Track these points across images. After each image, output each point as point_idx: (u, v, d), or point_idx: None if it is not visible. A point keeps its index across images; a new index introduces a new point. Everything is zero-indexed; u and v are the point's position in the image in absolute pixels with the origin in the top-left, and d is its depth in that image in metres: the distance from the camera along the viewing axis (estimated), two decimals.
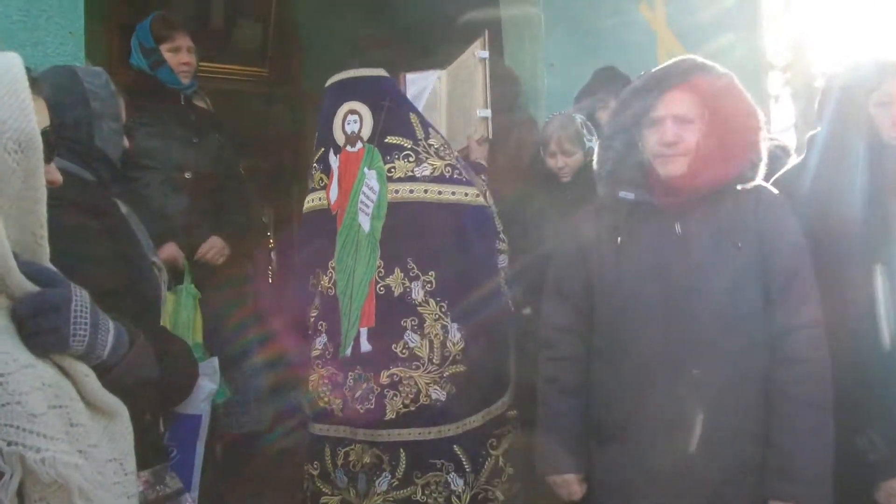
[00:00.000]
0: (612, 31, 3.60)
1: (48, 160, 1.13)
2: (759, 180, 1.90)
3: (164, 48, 2.89)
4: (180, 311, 2.47)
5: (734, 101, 1.86)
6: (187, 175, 2.86)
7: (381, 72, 2.54)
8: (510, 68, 3.56)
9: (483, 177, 2.56)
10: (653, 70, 1.93)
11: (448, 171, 2.44)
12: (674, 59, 1.90)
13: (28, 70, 1.10)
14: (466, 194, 2.44)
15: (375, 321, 2.36)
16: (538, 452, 2.00)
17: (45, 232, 1.07)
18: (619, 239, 1.88)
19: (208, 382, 2.23)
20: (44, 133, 1.09)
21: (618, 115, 1.95)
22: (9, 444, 0.89)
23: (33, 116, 1.00)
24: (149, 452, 1.67)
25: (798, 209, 1.90)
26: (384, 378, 2.31)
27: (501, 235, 2.49)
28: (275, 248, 6.37)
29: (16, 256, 1.03)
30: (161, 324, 2.05)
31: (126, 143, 1.98)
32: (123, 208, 2.06)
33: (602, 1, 3.64)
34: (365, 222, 2.42)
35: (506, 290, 2.45)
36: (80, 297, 1.09)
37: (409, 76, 2.97)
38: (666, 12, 3.80)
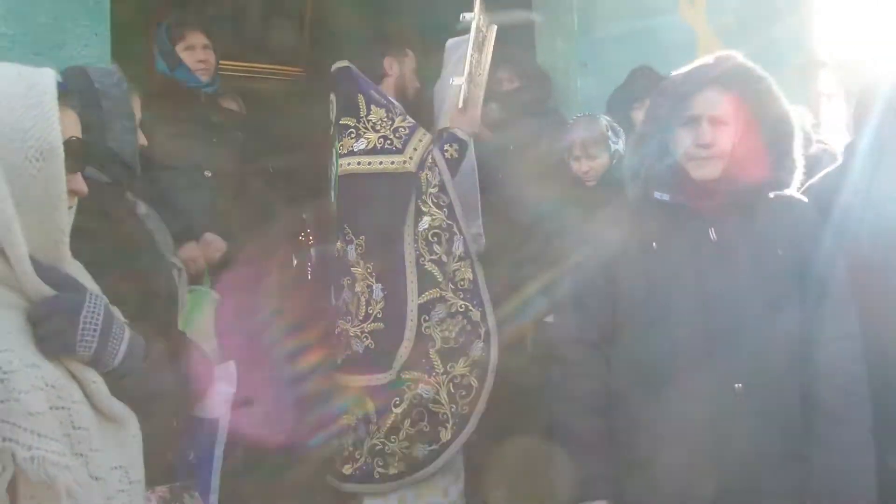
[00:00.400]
0: (648, 30, 3.50)
1: (77, 170, 1.16)
2: (793, 188, 1.82)
3: (179, 48, 2.89)
4: (195, 313, 2.46)
5: (771, 105, 1.79)
6: (207, 174, 2.86)
7: (343, 63, 2.81)
8: (542, 68, 3.47)
9: (452, 145, 2.67)
10: (690, 66, 1.83)
11: (380, 143, 2.67)
12: (713, 56, 1.81)
13: (61, 84, 1.15)
14: (393, 162, 2.64)
15: (332, 280, 2.77)
16: (563, 477, 1.86)
17: (66, 238, 1.10)
18: (654, 244, 1.79)
19: (226, 386, 2.22)
20: (73, 143, 1.13)
21: (652, 114, 1.85)
22: (3, 440, 0.91)
23: (57, 126, 1.04)
24: (170, 468, 1.67)
25: (838, 218, 1.83)
26: (337, 329, 2.68)
27: (424, 198, 2.62)
28: (314, 245, 6.40)
29: (38, 262, 1.06)
30: (178, 325, 2.05)
31: (143, 140, 1.97)
32: (143, 208, 2.06)
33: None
34: (333, 196, 2.81)
35: (421, 254, 2.63)
36: (93, 305, 1.10)
37: (450, 42, 2.92)
38: (706, 10, 3.68)
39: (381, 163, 2.66)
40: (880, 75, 2.08)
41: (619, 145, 2.75)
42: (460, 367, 2.56)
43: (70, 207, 1.14)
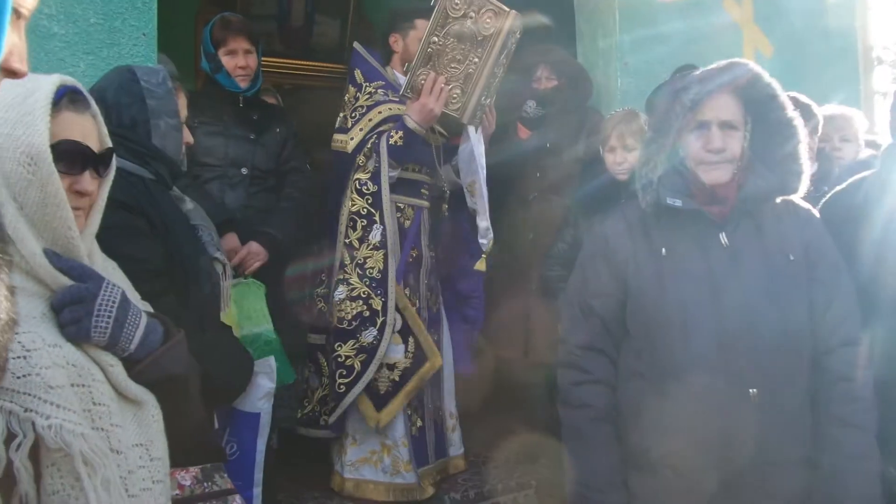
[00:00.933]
0: (691, 28, 3.44)
1: (77, 171, 1.21)
2: (801, 192, 1.82)
3: (221, 52, 2.93)
4: (244, 303, 2.50)
5: (777, 110, 1.80)
6: (244, 171, 2.92)
7: (355, 45, 3.01)
8: (581, 66, 3.44)
9: (398, 132, 2.69)
10: (697, 71, 1.83)
11: (342, 121, 2.88)
12: (723, 62, 1.80)
13: (72, 90, 1.21)
14: (340, 141, 2.84)
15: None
16: (577, 485, 1.84)
17: (74, 233, 1.16)
18: (663, 250, 1.78)
19: (266, 381, 2.26)
20: (63, 146, 1.18)
21: (661, 119, 1.83)
22: (25, 410, 0.97)
23: (42, 132, 1.10)
24: (202, 450, 1.71)
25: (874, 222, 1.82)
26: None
27: (349, 182, 2.76)
28: None
29: (58, 255, 1.14)
30: (223, 318, 2.10)
31: (189, 138, 2.02)
32: (190, 204, 2.11)
33: None
34: None
35: (346, 234, 2.79)
36: (108, 293, 1.16)
37: None
38: (753, 7, 3.59)
39: (336, 141, 2.87)
40: None
41: None
42: (346, 349, 2.68)
43: (80, 209, 1.20)
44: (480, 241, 2.85)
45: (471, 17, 2.53)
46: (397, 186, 2.82)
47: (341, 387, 2.67)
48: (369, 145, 2.72)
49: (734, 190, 1.78)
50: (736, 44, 3.56)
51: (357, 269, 2.70)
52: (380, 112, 2.81)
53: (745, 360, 1.68)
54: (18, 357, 0.98)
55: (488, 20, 2.54)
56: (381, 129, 2.77)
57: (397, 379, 2.74)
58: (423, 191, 2.91)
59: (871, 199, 1.87)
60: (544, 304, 2.95)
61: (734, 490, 1.68)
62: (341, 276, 2.73)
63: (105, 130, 1.28)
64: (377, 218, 2.70)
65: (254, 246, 2.77)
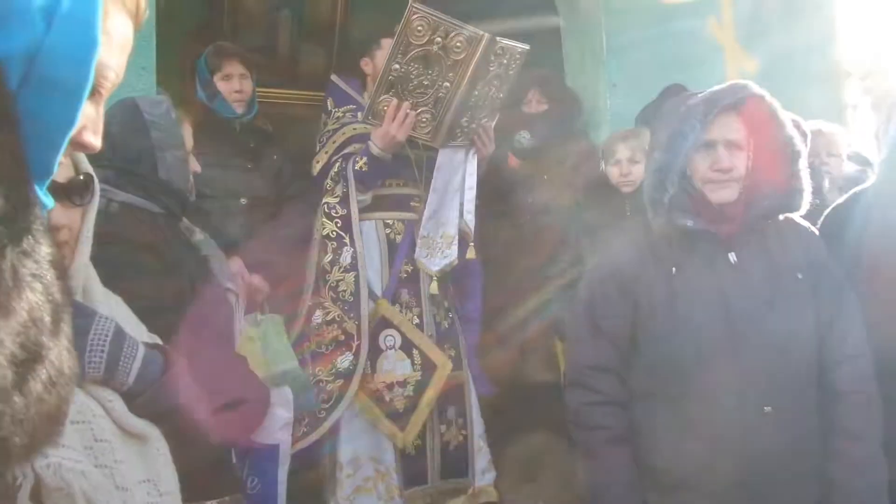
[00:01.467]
0: (677, 48, 3.52)
1: (75, 204, 1.19)
2: (803, 210, 1.86)
3: (216, 78, 2.95)
4: (270, 341, 2.44)
5: (777, 129, 1.84)
6: (242, 201, 2.92)
7: (332, 76, 3.14)
8: (571, 89, 3.51)
9: (363, 158, 2.73)
10: (704, 92, 1.86)
11: (317, 146, 2.98)
12: (727, 84, 1.86)
13: None
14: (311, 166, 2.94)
15: None
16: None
17: (70, 270, 1.13)
18: (673, 269, 1.80)
19: (283, 412, 2.22)
20: (72, 180, 1.16)
21: (670, 139, 1.84)
22: None
23: None
24: (219, 483, 1.69)
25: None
26: None
27: (326, 199, 2.79)
28: None
29: None
30: (240, 350, 2.08)
31: (196, 167, 2.01)
32: (200, 235, 2.11)
33: (666, 19, 3.56)
34: None
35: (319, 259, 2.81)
36: (100, 328, 1.13)
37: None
38: (735, 27, 3.69)
39: (313, 167, 2.93)
40: None
41: None
42: (324, 374, 2.65)
43: (61, 243, 1.16)
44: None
45: (437, 43, 2.49)
46: (383, 203, 2.84)
47: (322, 412, 2.63)
48: (336, 169, 2.75)
49: (741, 208, 1.81)
50: (720, 64, 3.65)
51: (331, 293, 2.72)
52: (344, 133, 2.85)
53: (757, 378, 1.70)
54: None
55: (458, 44, 2.51)
56: (346, 150, 2.79)
57: (412, 393, 2.72)
58: (412, 204, 2.91)
59: (872, 211, 1.92)
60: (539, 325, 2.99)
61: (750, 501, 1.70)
62: (318, 301, 2.74)
63: (83, 157, 1.23)
64: (347, 241, 2.72)
65: (256, 279, 2.77)
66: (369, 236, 2.83)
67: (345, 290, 2.71)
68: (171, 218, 1.91)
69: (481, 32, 2.52)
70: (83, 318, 1.12)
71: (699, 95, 1.85)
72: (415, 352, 2.76)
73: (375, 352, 2.73)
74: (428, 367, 2.76)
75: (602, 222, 2.62)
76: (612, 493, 1.80)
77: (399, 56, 2.49)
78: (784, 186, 1.83)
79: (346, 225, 2.73)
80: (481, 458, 2.92)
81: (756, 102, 1.82)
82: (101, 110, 0.82)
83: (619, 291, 1.84)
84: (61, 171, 1.18)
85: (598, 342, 1.85)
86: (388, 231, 2.84)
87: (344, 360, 2.65)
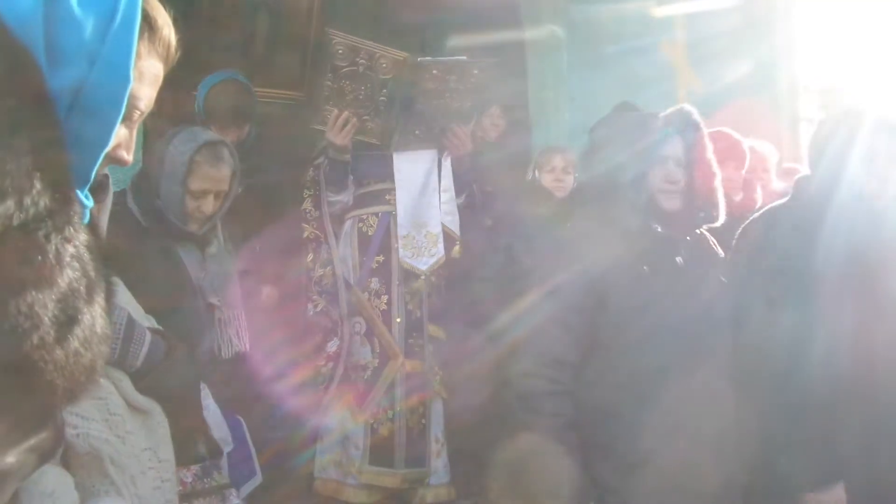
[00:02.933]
0: (632, 67, 3.76)
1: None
2: (721, 221, 2.14)
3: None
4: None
5: (705, 150, 2.13)
6: None
7: None
8: (526, 119, 3.73)
9: (323, 160, 2.99)
10: (658, 115, 2.16)
11: None
12: (674, 109, 2.15)
13: None
14: None
15: None
16: (556, 484, 1.98)
17: None
18: (645, 268, 2.02)
19: None
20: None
21: (642, 152, 2.08)
22: None
23: None
24: (200, 450, 1.88)
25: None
26: None
27: (303, 206, 3.02)
28: None
29: None
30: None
31: (207, 210, 2.16)
32: (214, 248, 2.30)
33: (624, 39, 3.80)
34: None
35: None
36: (117, 316, 1.30)
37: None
38: (687, 48, 3.94)
39: None
40: (862, 98, 2.31)
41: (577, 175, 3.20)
42: (320, 360, 2.95)
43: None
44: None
45: (361, 64, 2.73)
46: (358, 201, 3.07)
47: (321, 392, 2.92)
48: (309, 177, 3.02)
49: (683, 218, 2.09)
50: (671, 81, 3.90)
51: (316, 287, 2.98)
52: (316, 146, 3.10)
53: (711, 367, 1.97)
54: None
55: (384, 64, 2.76)
56: (318, 160, 3.03)
57: (369, 377, 2.95)
58: (387, 197, 3.08)
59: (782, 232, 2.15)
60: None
61: (718, 469, 1.94)
62: (308, 296, 2.99)
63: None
64: (323, 239, 3.00)
65: (265, 292, 2.88)
66: (348, 233, 3.08)
67: (327, 283, 2.98)
68: (159, 237, 2.08)
69: (403, 54, 2.76)
70: None
71: (653, 116, 2.14)
72: (375, 340, 2.98)
73: (350, 336, 2.97)
74: (384, 358, 2.98)
75: (534, 223, 2.85)
76: (579, 471, 1.96)
77: (329, 74, 2.76)
78: (704, 201, 2.11)
79: (321, 225, 3.00)
80: (439, 461, 3.06)
81: (693, 126, 2.11)
82: (134, 132, 1.02)
83: (585, 288, 2.00)
84: None
85: (562, 335, 1.99)
86: (360, 225, 3.06)
87: (332, 346, 2.95)
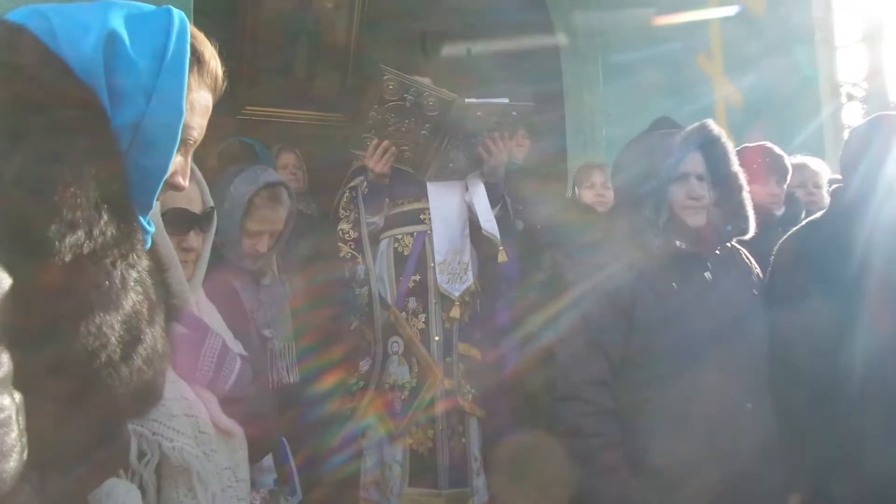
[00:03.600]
0: (668, 81, 3.76)
1: (179, 233, 1.43)
2: (751, 233, 2.12)
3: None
4: None
5: (729, 164, 2.11)
6: None
7: None
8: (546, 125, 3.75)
9: (363, 182, 3.02)
10: (678, 132, 2.12)
11: None
12: (695, 125, 2.12)
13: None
14: None
15: None
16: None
17: (185, 287, 1.37)
18: (674, 285, 2.02)
19: None
20: (170, 213, 1.40)
21: (661, 171, 2.07)
22: (153, 433, 1.20)
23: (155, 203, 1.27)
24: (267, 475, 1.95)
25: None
26: None
27: (341, 226, 3.07)
28: None
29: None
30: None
31: (262, 248, 2.20)
32: (268, 280, 2.35)
33: (660, 54, 3.80)
34: None
35: None
36: (211, 342, 1.39)
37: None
38: (723, 61, 3.92)
39: None
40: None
41: None
42: (350, 378, 2.98)
43: (186, 262, 1.42)
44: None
45: (409, 100, 2.81)
46: (392, 221, 3.09)
47: (349, 410, 2.96)
48: (346, 198, 3.07)
49: (710, 232, 2.08)
50: (708, 94, 3.89)
51: (351, 307, 3.04)
52: (352, 166, 3.14)
53: (740, 380, 1.96)
54: None
55: (432, 103, 2.83)
56: (352, 183, 3.08)
57: (406, 397, 2.95)
58: (421, 217, 3.10)
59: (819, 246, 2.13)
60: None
61: (751, 486, 1.93)
62: (345, 315, 3.06)
63: (207, 191, 1.51)
64: (360, 260, 3.02)
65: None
66: (383, 253, 3.10)
67: (362, 303, 3.01)
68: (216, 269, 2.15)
69: (452, 95, 2.82)
70: (199, 331, 1.38)
71: (676, 134, 2.11)
72: (413, 360, 3.00)
73: (384, 355, 3.00)
74: (423, 375, 2.98)
75: (575, 239, 2.87)
76: (614, 491, 1.97)
77: (375, 106, 2.83)
78: (734, 214, 2.11)
79: (359, 246, 3.04)
80: (479, 480, 3.04)
81: (715, 142, 2.10)
82: (189, 159, 1.09)
83: (615, 309, 2.01)
84: (194, 203, 1.47)
85: (595, 357, 2.01)
86: (396, 245, 3.08)
87: (365, 365, 2.98)
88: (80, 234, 0.83)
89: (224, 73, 1.13)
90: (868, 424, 1.95)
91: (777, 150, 2.99)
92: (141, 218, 1.00)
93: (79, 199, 0.83)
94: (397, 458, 2.94)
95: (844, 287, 1.99)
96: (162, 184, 1.02)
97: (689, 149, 2.06)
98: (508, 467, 2.93)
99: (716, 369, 1.94)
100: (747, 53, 4.02)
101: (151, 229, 1.03)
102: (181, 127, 0.99)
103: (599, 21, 3.71)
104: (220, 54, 1.13)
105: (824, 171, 3.28)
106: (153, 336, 0.95)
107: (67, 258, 0.82)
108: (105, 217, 0.87)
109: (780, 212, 2.93)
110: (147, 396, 0.99)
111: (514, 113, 2.95)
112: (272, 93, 5.34)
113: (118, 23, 0.95)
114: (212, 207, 1.51)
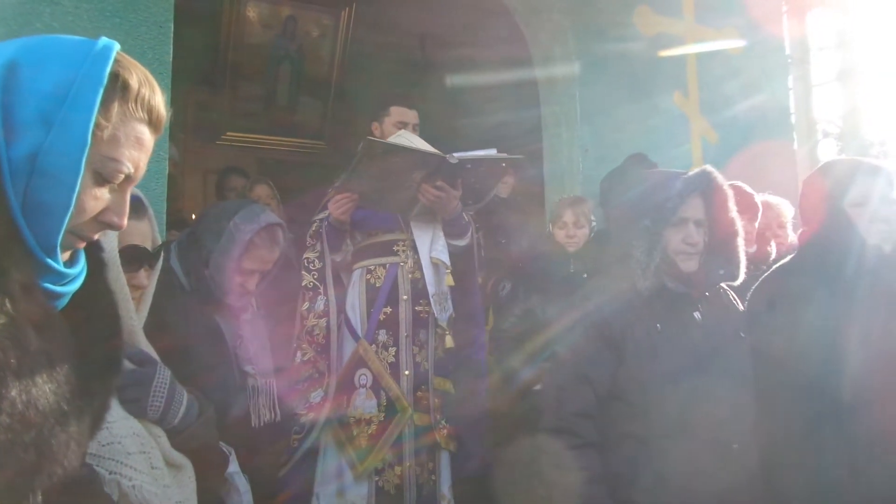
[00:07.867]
0: (645, 118, 3.81)
1: (133, 270, 1.44)
2: (741, 279, 2.13)
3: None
4: None
5: (727, 211, 2.12)
6: None
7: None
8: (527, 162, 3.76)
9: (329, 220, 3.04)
10: (678, 176, 2.13)
11: None
12: (698, 170, 2.13)
13: (136, 199, 1.44)
14: None
15: None
16: None
17: (136, 322, 1.37)
18: (658, 325, 2.04)
19: None
20: (127, 250, 1.41)
21: (656, 212, 2.08)
22: (110, 473, 1.18)
23: (111, 240, 1.25)
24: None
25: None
26: None
27: (306, 254, 3.08)
28: None
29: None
30: None
31: (237, 283, 2.18)
32: (248, 315, 2.34)
33: (636, 91, 3.85)
34: None
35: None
36: (162, 377, 1.38)
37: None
38: (699, 100, 3.98)
39: None
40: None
41: (594, 223, 3.31)
42: (300, 406, 2.92)
43: (134, 299, 1.41)
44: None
45: (395, 162, 2.80)
46: (365, 252, 3.08)
47: (295, 442, 2.88)
48: (314, 228, 3.07)
49: (701, 275, 2.09)
50: (684, 132, 3.94)
51: (307, 336, 2.99)
52: (328, 195, 3.13)
53: (725, 419, 1.96)
54: (103, 428, 1.16)
55: (417, 161, 2.83)
56: (320, 215, 3.09)
57: (374, 432, 2.90)
58: (395, 248, 3.10)
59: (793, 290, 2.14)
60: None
61: None
62: (298, 344, 3.01)
63: (156, 228, 1.51)
64: (321, 290, 3.01)
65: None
66: (356, 283, 3.08)
67: (318, 334, 2.98)
68: (200, 301, 2.14)
69: (439, 155, 2.81)
70: (149, 365, 1.38)
71: (675, 177, 2.12)
72: (382, 394, 2.95)
73: (350, 388, 2.94)
74: (391, 411, 2.93)
75: (549, 277, 2.87)
76: None
77: (364, 159, 2.75)
78: (725, 259, 2.12)
79: (322, 277, 3.03)
80: None
81: (714, 187, 2.11)
82: (126, 196, 1.01)
83: (606, 343, 2.03)
84: (147, 241, 1.47)
85: (583, 390, 2.02)
86: (368, 276, 3.07)
87: (316, 396, 2.93)
88: None
89: (166, 103, 1.02)
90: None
91: (747, 188, 3.03)
92: (49, 260, 0.92)
93: None
94: (361, 493, 2.88)
95: (824, 333, 1.99)
96: (66, 222, 0.92)
97: (691, 195, 2.08)
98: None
99: (699, 409, 1.94)
100: (723, 91, 4.10)
101: (59, 266, 0.94)
102: (84, 158, 0.91)
103: (577, 56, 3.75)
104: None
105: (788, 211, 3.32)
106: (25, 391, 0.84)
107: None
108: None
109: (752, 249, 2.96)
110: (42, 454, 0.87)
111: (503, 164, 2.99)
112: (254, 119, 5.36)
113: (22, 53, 0.91)
114: (161, 245, 1.51)
